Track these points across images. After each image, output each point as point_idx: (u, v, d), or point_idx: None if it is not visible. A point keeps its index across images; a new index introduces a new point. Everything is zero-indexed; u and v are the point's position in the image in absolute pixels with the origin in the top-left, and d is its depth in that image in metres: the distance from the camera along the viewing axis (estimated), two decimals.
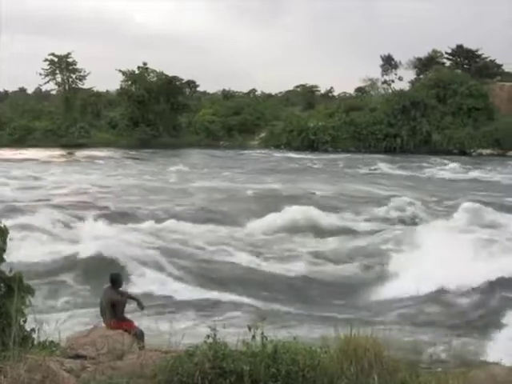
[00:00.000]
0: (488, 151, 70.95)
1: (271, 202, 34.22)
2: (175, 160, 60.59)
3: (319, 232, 29.16)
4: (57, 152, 68.20)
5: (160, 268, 22.68)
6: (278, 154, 70.17)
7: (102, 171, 51.34)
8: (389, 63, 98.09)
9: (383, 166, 57.82)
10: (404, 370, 6.64)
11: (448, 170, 55.60)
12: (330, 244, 27.21)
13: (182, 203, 34.82)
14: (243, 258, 24.58)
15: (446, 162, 60.15)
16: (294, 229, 29.53)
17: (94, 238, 24.94)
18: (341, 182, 46.69)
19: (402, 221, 31.88)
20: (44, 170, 49.99)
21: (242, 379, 5.70)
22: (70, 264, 22.77)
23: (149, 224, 28.56)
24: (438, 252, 22.94)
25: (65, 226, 28.07)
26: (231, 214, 32.37)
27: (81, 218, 29.31)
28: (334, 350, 6.71)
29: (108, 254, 22.79)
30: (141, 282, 20.70)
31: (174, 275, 22.21)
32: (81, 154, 66.90)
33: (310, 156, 67.09)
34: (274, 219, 30.39)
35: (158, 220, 29.45)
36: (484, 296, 19.67)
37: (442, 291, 20.08)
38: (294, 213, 31.29)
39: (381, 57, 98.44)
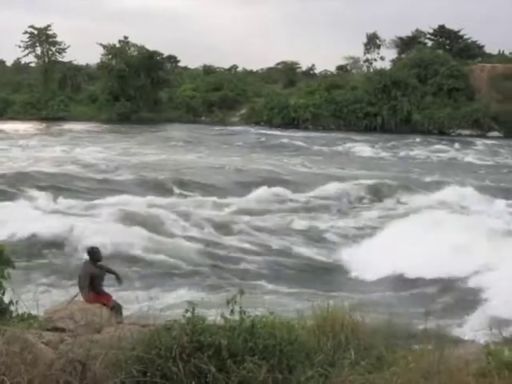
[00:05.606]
0: (467, 132, 71.15)
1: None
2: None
3: (290, 211, 29.37)
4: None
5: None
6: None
7: None
8: (373, 41, 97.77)
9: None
10: (380, 346, 6.72)
11: None
12: (306, 223, 27.32)
13: None
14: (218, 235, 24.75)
15: None
16: (264, 207, 29.67)
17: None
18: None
19: (376, 202, 32.14)
20: None
21: (220, 353, 5.74)
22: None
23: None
24: (410, 234, 23.02)
25: None
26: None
27: None
28: (312, 325, 6.78)
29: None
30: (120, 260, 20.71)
31: (154, 248, 22.23)
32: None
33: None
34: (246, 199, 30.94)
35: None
36: (460, 278, 19.81)
37: (416, 273, 20.21)
38: (265, 192, 31.70)
39: (366, 34, 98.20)
